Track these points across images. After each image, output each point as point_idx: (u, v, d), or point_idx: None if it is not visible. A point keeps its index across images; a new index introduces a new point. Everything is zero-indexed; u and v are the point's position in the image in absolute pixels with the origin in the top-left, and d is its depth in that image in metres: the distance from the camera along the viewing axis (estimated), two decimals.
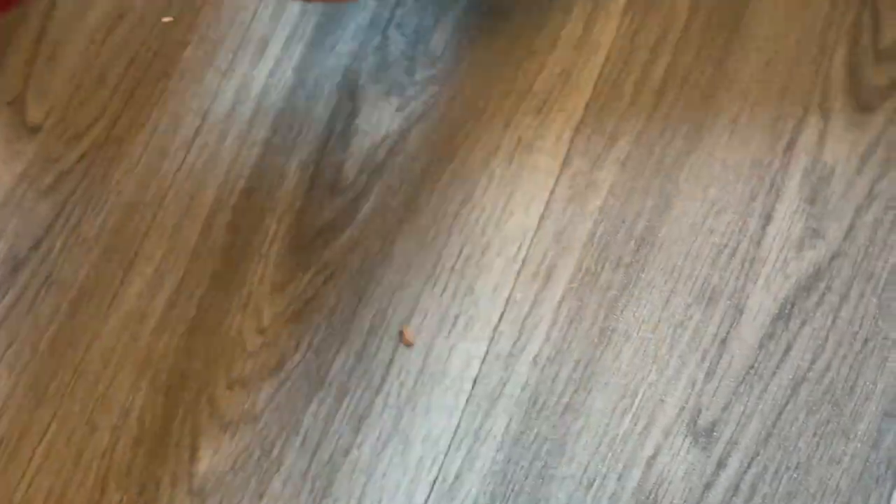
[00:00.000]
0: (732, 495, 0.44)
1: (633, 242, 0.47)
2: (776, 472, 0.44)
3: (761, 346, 0.45)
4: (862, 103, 0.48)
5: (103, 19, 0.53)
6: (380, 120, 0.50)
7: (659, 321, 0.46)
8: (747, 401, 0.45)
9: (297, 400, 0.46)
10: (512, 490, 0.44)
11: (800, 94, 0.48)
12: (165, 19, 0.52)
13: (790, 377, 0.45)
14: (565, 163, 0.48)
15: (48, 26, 0.53)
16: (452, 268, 0.47)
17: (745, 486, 0.44)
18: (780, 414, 0.44)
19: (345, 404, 0.46)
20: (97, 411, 0.46)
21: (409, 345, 0.46)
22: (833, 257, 0.46)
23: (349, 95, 0.51)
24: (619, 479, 0.44)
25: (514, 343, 0.46)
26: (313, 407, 0.46)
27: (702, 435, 0.44)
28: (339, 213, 0.49)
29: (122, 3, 0.53)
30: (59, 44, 0.53)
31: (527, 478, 0.44)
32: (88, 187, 0.51)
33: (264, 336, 0.47)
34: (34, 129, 0.52)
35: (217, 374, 0.47)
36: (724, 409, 0.45)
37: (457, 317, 0.47)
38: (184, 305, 0.48)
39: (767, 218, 0.47)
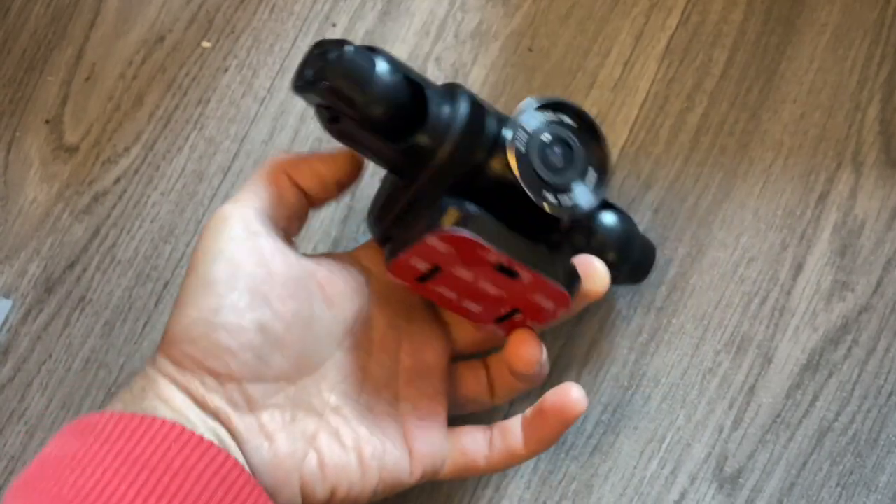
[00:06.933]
0: None
1: (664, 288, 0.47)
2: None
3: (788, 395, 0.45)
4: (894, 159, 0.47)
5: (142, 41, 0.52)
6: None
7: (688, 367, 0.46)
8: (773, 449, 0.44)
9: None
10: None
11: (833, 147, 0.47)
12: (205, 44, 0.51)
13: (815, 427, 0.45)
14: None
15: (86, 46, 0.52)
16: None
17: None
18: (804, 463, 0.44)
19: None
20: None
21: None
22: (861, 311, 0.45)
23: None
24: None
25: (547, 383, 0.46)
26: None
27: (727, 482, 0.44)
28: None
29: (161, 27, 0.52)
30: (97, 64, 0.52)
31: None
32: (124, 210, 0.50)
33: None
34: (71, 150, 0.51)
35: None
36: (750, 456, 0.45)
37: None
38: None
39: (798, 268, 0.46)
